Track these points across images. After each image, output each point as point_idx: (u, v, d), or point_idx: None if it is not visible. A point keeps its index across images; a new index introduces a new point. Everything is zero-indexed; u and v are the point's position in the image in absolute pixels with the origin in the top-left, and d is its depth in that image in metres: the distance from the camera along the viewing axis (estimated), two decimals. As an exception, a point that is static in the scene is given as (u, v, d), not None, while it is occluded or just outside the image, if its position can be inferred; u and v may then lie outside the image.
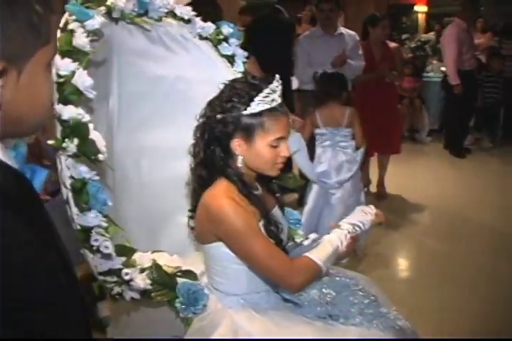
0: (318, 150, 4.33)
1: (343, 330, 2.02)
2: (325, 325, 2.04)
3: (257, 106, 1.94)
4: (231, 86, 2.01)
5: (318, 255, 1.98)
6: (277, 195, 2.34)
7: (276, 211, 2.21)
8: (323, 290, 2.13)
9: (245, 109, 1.94)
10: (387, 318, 2.11)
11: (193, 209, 2.15)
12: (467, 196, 6.00)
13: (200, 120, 2.06)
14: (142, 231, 2.70)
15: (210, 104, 2.03)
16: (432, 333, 3.14)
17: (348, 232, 2.07)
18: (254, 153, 2.01)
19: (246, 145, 2.00)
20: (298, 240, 2.58)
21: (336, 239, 2.03)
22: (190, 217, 2.23)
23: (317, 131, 4.36)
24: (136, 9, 2.48)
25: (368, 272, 3.82)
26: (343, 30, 5.60)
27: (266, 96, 1.95)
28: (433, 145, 8.53)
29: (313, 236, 2.63)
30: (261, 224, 2.00)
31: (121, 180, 2.64)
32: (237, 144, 1.99)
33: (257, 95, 1.95)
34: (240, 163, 2.03)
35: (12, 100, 1.03)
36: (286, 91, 5.42)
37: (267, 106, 1.96)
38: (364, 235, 2.19)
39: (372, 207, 2.20)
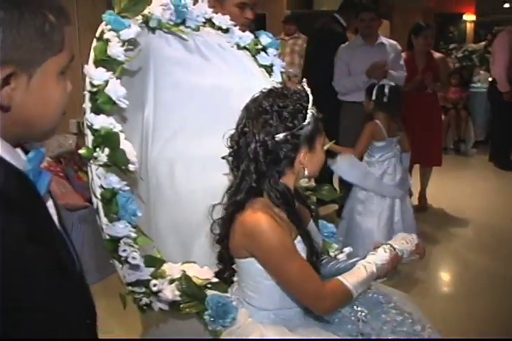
0: (382, 164, 4.28)
1: (375, 348, 1.98)
2: None
3: (310, 112, 1.93)
4: (273, 106, 1.90)
5: (351, 280, 1.95)
6: (312, 207, 2.30)
7: (311, 225, 2.17)
8: (355, 307, 2.09)
9: (304, 120, 1.91)
10: (421, 336, 2.06)
11: (224, 235, 2.08)
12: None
13: (244, 150, 1.94)
14: (175, 241, 2.69)
15: (257, 129, 1.90)
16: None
17: (386, 259, 2.02)
18: (314, 159, 2.00)
19: (309, 154, 1.97)
20: (332, 254, 2.55)
21: (371, 265, 2.00)
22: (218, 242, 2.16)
23: (378, 144, 4.28)
24: (173, 18, 2.48)
25: (407, 286, 3.75)
26: (384, 39, 5.51)
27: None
28: (478, 157, 8.39)
29: (347, 250, 2.60)
30: (297, 241, 1.96)
31: (156, 189, 2.63)
32: (302, 157, 1.95)
33: (308, 102, 1.94)
34: (306, 176, 2.02)
35: (22, 103, 1.07)
36: (335, 105, 5.41)
37: (313, 109, 1.95)
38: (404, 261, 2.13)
39: (414, 236, 2.15)
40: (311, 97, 1.96)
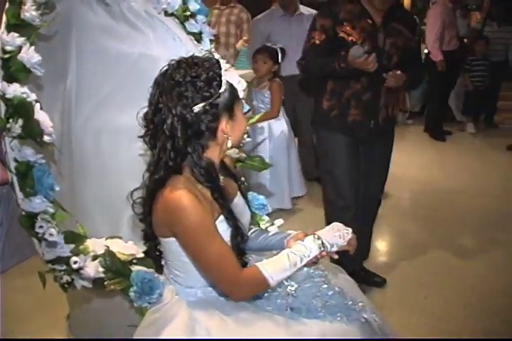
0: None
1: (305, 324, 1.93)
2: (286, 319, 1.94)
3: (224, 79, 1.84)
4: (185, 76, 1.79)
5: (271, 269, 1.88)
6: (242, 178, 2.23)
7: (238, 198, 2.10)
8: (285, 281, 2.03)
9: (220, 87, 1.82)
10: (352, 310, 2.02)
11: (146, 214, 1.95)
12: (446, 179, 5.93)
13: (161, 125, 1.82)
14: (103, 214, 2.61)
15: (173, 103, 1.79)
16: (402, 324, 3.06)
17: (314, 254, 1.96)
18: (236, 127, 1.91)
19: (231, 122, 1.88)
20: (263, 226, 2.50)
21: (296, 257, 1.93)
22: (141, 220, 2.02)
23: None
24: (96, -18, 2.36)
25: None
26: (303, 9, 5.41)
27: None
28: (414, 127, 8.46)
29: (278, 222, 2.56)
30: (219, 220, 1.89)
31: (81, 161, 2.54)
32: (224, 127, 1.86)
33: (220, 69, 1.85)
34: (229, 145, 1.93)
35: None
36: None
37: (228, 77, 1.87)
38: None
39: (350, 231, 2.06)
40: (222, 63, 1.87)
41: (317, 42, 3.08)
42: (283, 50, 4.69)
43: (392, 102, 3.23)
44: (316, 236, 1.98)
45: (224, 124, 1.86)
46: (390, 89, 3.14)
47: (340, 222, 3.07)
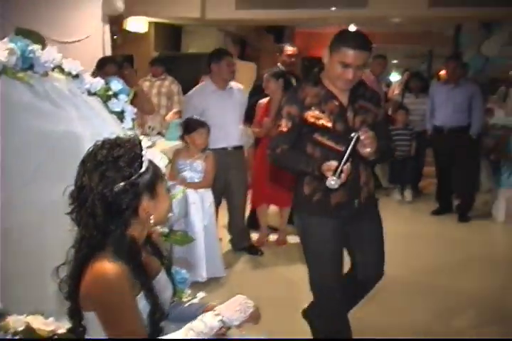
0: None
1: None
2: None
3: (146, 159, 1.93)
4: (108, 156, 1.89)
5: None
6: (165, 254, 2.27)
7: (161, 275, 2.14)
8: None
9: (141, 167, 1.91)
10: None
11: (71, 292, 1.99)
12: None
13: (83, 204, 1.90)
14: (28, 290, 2.60)
15: (94, 182, 1.87)
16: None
17: (211, 332, 1.99)
18: (158, 206, 1.98)
19: (153, 201, 1.95)
20: (186, 299, 2.53)
21: (194, 334, 1.96)
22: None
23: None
24: (19, 64, 2.42)
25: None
26: (232, 84, 5.61)
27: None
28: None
29: (200, 295, 2.59)
30: (139, 296, 1.93)
31: (5, 238, 2.54)
32: (146, 206, 1.93)
33: (141, 150, 1.93)
34: (152, 223, 1.99)
35: None
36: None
37: (149, 156, 1.95)
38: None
39: (251, 304, 2.10)
40: (144, 144, 1.96)
41: (284, 129, 3.12)
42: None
43: (370, 179, 3.30)
44: (215, 313, 2.02)
45: (145, 203, 1.93)
46: (367, 165, 3.23)
47: (329, 304, 3.29)
